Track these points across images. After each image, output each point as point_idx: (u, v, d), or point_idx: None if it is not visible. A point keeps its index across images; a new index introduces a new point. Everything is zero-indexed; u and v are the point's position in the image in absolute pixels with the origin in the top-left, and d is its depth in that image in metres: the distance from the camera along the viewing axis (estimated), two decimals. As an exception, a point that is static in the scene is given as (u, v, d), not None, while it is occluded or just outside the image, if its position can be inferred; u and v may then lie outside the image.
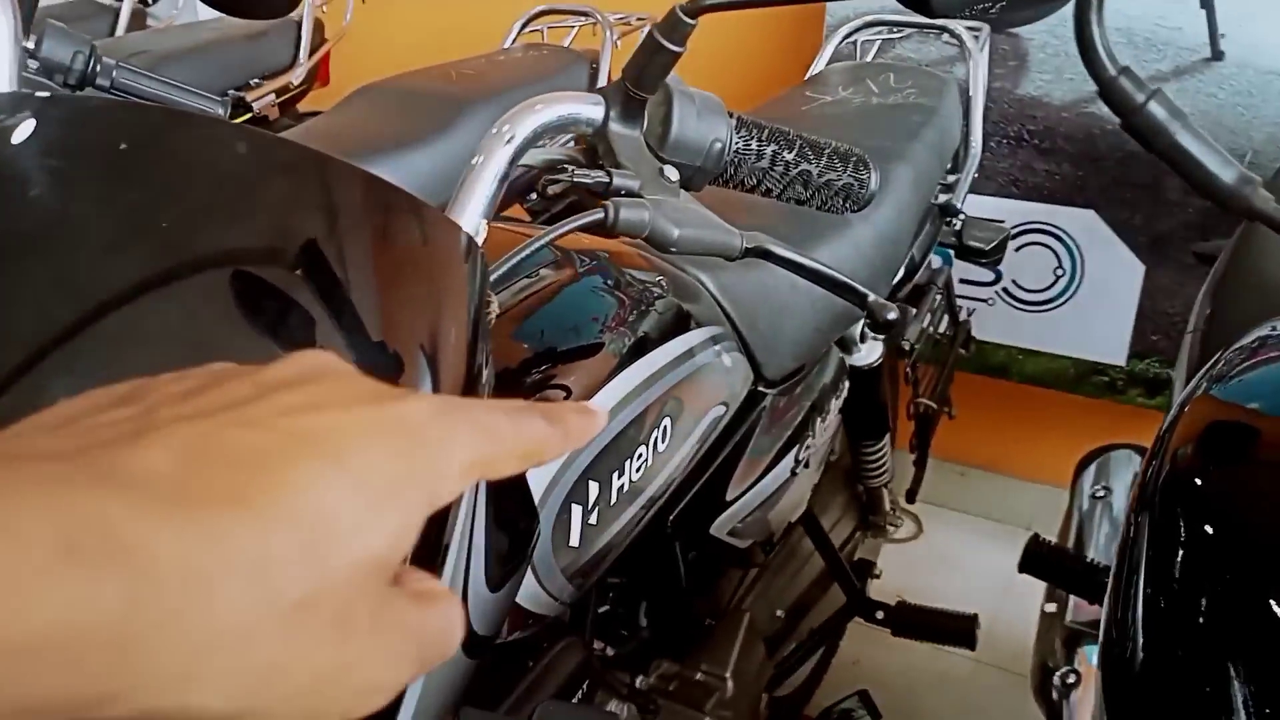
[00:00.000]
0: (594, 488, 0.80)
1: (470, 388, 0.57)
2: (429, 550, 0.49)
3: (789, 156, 0.78)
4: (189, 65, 2.26)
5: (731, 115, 0.77)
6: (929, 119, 1.53)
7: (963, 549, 2.39)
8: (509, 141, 0.67)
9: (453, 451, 0.28)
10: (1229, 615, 0.64)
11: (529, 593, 0.77)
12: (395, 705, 0.47)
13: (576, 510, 0.79)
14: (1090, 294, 2.12)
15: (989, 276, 2.20)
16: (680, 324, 0.97)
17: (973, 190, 2.00)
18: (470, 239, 0.58)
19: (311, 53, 2.61)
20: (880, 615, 1.54)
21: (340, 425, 0.26)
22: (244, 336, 0.49)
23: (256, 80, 2.48)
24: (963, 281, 2.21)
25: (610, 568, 0.93)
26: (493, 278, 0.67)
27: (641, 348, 0.90)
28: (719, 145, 0.74)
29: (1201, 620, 0.64)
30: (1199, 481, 0.64)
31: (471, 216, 0.64)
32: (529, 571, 0.75)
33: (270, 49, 2.56)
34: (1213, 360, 0.70)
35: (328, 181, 0.55)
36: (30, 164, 0.51)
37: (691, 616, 1.23)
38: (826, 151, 0.80)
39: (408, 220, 0.56)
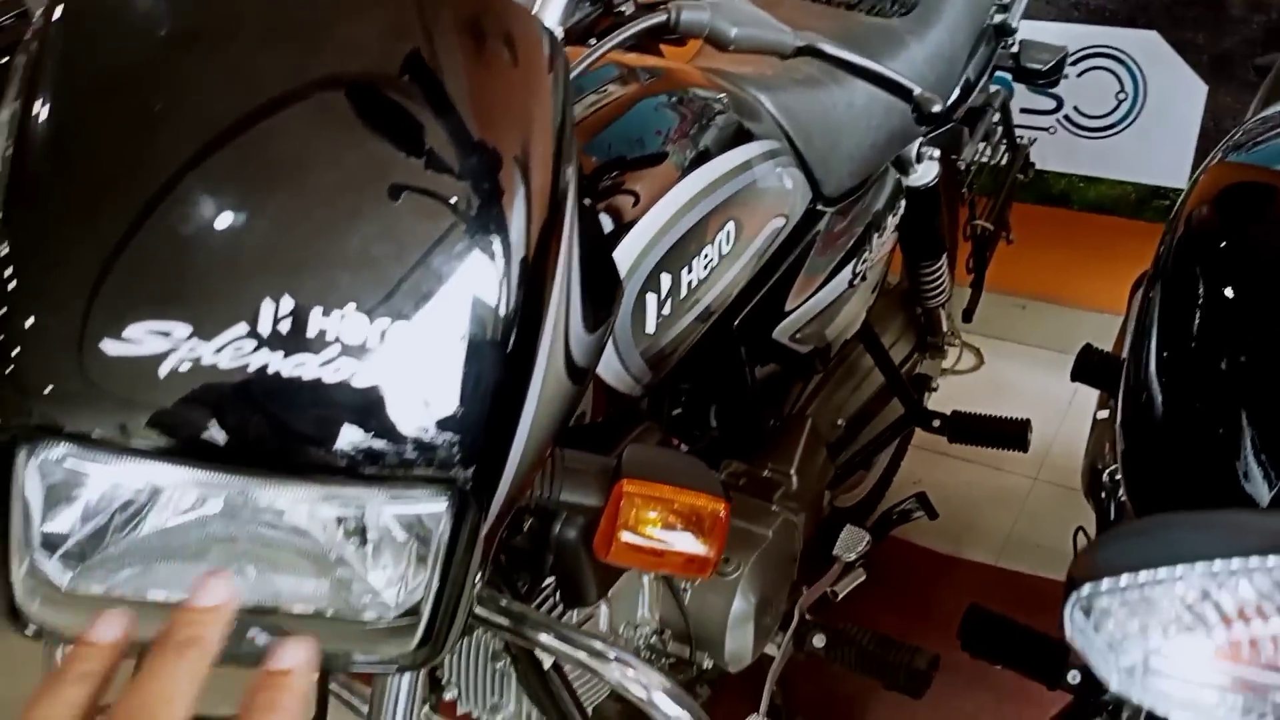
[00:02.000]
0: (666, 280, 0.89)
1: (558, 173, 0.64)
2: (536, 297, 0.58)
3: (838, -38, 0.83)
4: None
5: (782, -77, 0.82)
6: (984, -62, 1.54)
7: (1022, 379, 2.45)
8: (577, -43, 0.73)
9: None
10: (1239, 363, 0.70)
11: (612, 371, 0.87)
12: (513, 419, 0.57)
13: (651, 299, 0.88)
14: (1152, 117, 2.12)
15: (1050, 104, 2.20)
16: (740, 137, 1.04)
17: (1034, 16, 2.00)
18: (554, 37, 0.65)
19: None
20: (936, 424, 1.63)
21: None
22: (364, 135, 0.58)
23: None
24: (1023, 111, 2.22)
25: (682, 370, 1.02)
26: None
27: (703, 158, 0.97)
28: (771, -49, 0.79)
29: (1212, 367, 0.71)
30: (1214, 238, 0.70)
31: (550, 18, 0.71)
32: (612, 349, 0.85)
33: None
34: (1232, 131, 0.75)
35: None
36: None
37: (758, 420, 1.33)
38: (874, -44, 0.85)
39: (497, 18, 0.63)
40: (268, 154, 0.54)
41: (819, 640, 1.31)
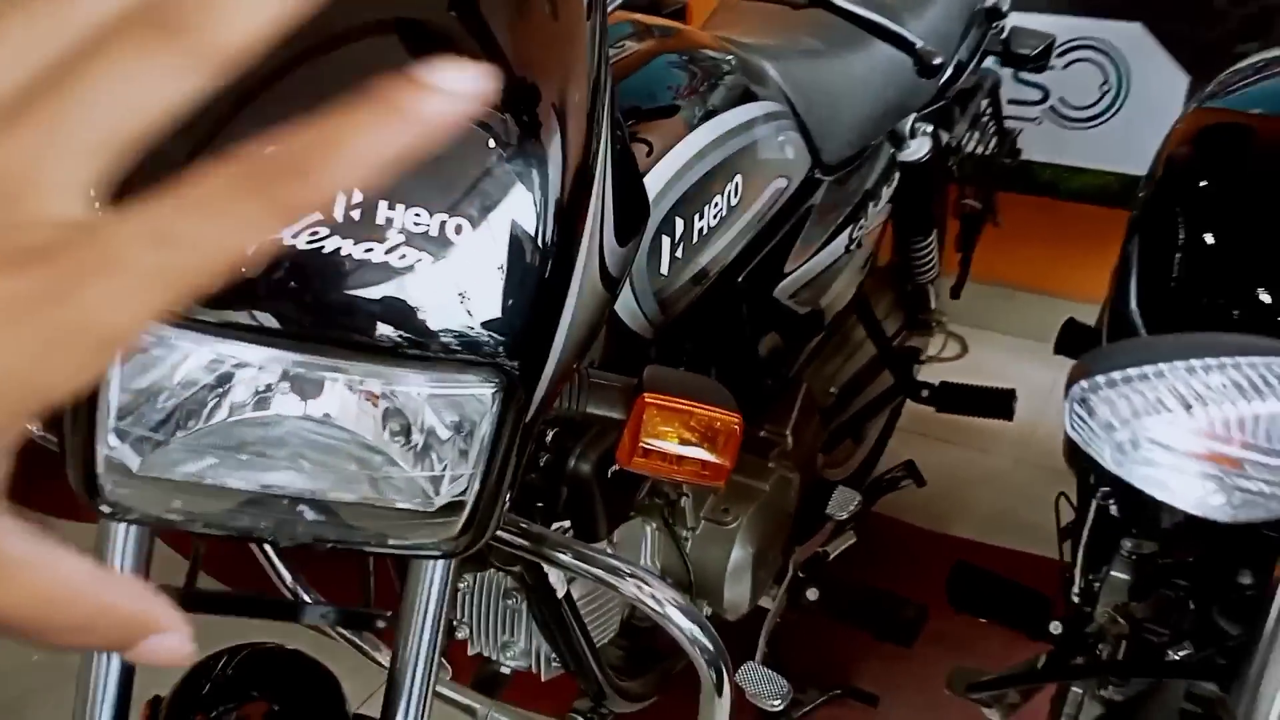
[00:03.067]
0: (679, 224, 0.94)
1: (593, 113, 0.68)
2: (575, 208, 0.62)
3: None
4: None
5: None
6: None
7: (1006, 367, 2.49)
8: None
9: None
10: (1220, 292, 0.76)
11: (627, 309, 0.92)
12: (555, 316, 0.61)
13: (665, 241, 0.93)
14: (1136, 108, 2.18)
15: (1036, 95, 2.26)
16: (746, 97, 1.09)
17: (1024, 7, 2.05)
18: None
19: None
20: (925, 394, 1.69)
21: None
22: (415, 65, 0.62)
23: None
24: (1010, 102, 2.28)
25: (686, 327, 1.07)
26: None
27: (711, 113, 1.02)
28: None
29: (1193, 298, 0.76)
30: (1194, 177, 0.76)
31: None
32: (628, 287, 0.90)
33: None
34: (1208, 84, 0.80)
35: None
36: None
37: (755, 382, 1.37)
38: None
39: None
40: (331, 75, 0.58)
41: (812, 594, 1.36)
